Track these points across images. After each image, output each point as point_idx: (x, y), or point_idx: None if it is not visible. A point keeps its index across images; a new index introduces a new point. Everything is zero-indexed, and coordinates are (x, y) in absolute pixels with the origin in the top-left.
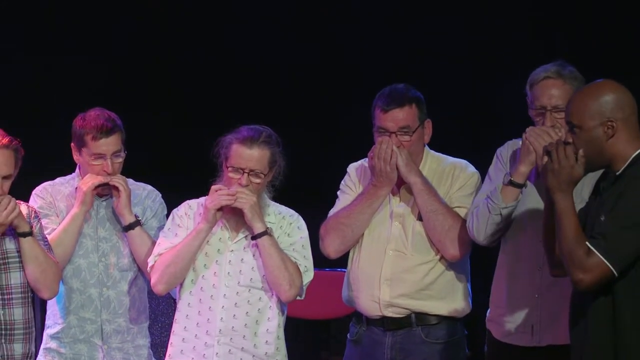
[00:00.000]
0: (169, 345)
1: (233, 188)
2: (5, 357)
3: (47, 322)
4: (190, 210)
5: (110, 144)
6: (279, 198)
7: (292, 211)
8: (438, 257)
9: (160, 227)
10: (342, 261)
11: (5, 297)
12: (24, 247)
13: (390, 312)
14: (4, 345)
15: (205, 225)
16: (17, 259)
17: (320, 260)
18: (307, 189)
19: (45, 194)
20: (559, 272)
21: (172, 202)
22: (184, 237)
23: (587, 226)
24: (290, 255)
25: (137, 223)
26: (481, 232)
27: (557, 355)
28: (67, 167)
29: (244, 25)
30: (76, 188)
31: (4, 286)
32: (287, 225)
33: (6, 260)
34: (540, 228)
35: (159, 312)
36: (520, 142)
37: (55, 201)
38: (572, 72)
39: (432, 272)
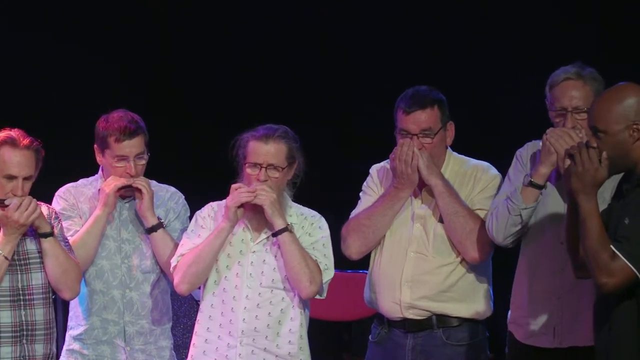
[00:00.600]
0: (191, 346)
1: (253, 185)
2: (27, 357)
3: (70, 323)
4: (212, 212)
5: (133, 145)
6: (302, 200)
7: (314, 212)
8: (459, 259)
9: (183, 229)
10: (364, 263)
11: (27, 297)
12: (45, 248)
13: (411, 314)
14: (25, 345)
15: (227, 224)
16: (38, 260)
17: (342, 261)
18: (329, 190)
19: (68, 195)
20: (582, 274)
21: (195, 204)
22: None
23: (609, 228)
24: (311, 253)
25: (159, 225)
26: (500, 233)
27: (579, 356)
28: (90, 168)
29: (263, 29)
30: (99, 190)
31: (25, 287)
32: (309, 225)
33: (27, 261)
34: (561, 230)
35: (181, 313)
36: (540, 144)
37: (78, 203)
38: (592, 73)
39: (453, 274)
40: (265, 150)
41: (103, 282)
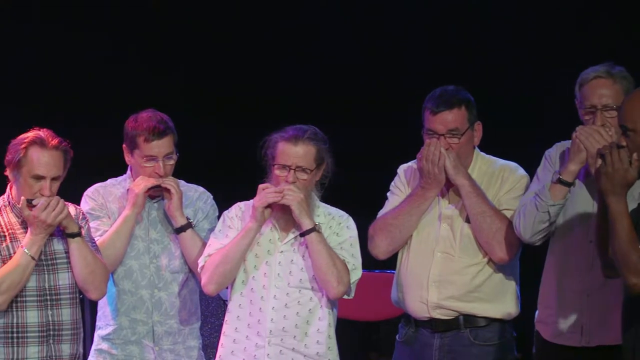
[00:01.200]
0: (219, 346)
1: (281, 185)
2: (53, 357)
3: (98, 323)
4: (240, 212)
5: (162, 146)
6: (329, 200)
7: (341, 212)
8: (486, 259)
9: (212, 229)
10: (391, 262)
11: (54, 297)
12: (72, 248)
13: (438, 314)
14: (52, 345)
15: (254, 224)
16: (65, 260)
17: (369, 261)
18: (356, 189)
19: (96, 195)
20: (611, 273)
21: (223, 204)
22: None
23: (638, 227)
24: (339, 253)
25: (188, 225)
26: (528, 230)
27: (607, 355)
28: (119, 168)
29: (290, 27)
30: (128, 190)
31: (52, 287)
32: (337, 225)
33: (54, 261)
34: (590, 228)
35: (209, 313)
36: (569, 144)
37: (107, 203)
38: (622, 71)
39: (480, 274)
40: (294, 152)
41: (132, 282)
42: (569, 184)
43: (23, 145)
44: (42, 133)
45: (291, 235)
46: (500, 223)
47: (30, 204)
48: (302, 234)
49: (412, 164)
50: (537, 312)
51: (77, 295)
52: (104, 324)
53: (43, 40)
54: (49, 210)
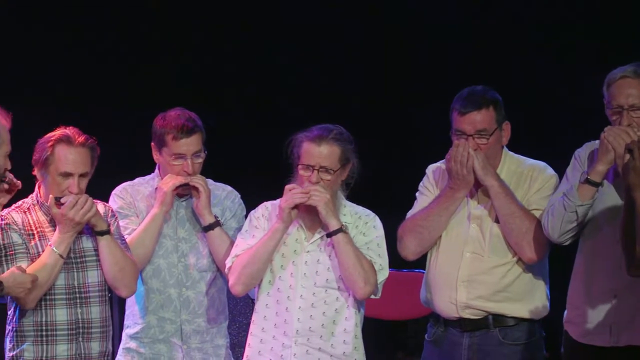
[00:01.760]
0: (246, 346)
1: (306, 186)
2: (83, 355)
3: (126, 322)
4: (267, 212)
5: (190, 144)
6: (357, 199)
7: (368, 211)
8: (515, 259)
9: (239, 228)
10: (420, 262)
11: (83, 295)
12: (101, 246)
13: (467, 314)
14: (81, 343)
15: (281, 224)
16: (95, 258)
17: (398, 260)
18: (385, 190)
19: (124, 194)
20: (637, 272)
21: (251, 203)
22: (260, 238)
23: None
24: (366, 253)
25: (216, 223)
26: (556, 230)
27: (636, 355)
28: (147, 167)
29: (319, 29)
30: (156, 188)
31: (81, 285)
32: (363, 224)
33: (83, 259)
34: (618, 228)
35: (237, 312)
36: (598, 143)
37: (135, 201)
38: None
39: (509, 274)
40: (318, 152)
41: (160, 281)
42: (597, 184)
43: (50, 144)
44: (69, 131)
45: (317, 235)
46: (530, 223)
47: (58, 202)
48: (329, 235)
49: (440, 164)
50: (565, 312)
51: (106, 293)
52: (132, 323)
53: (69, 39)
54: (77, 208)
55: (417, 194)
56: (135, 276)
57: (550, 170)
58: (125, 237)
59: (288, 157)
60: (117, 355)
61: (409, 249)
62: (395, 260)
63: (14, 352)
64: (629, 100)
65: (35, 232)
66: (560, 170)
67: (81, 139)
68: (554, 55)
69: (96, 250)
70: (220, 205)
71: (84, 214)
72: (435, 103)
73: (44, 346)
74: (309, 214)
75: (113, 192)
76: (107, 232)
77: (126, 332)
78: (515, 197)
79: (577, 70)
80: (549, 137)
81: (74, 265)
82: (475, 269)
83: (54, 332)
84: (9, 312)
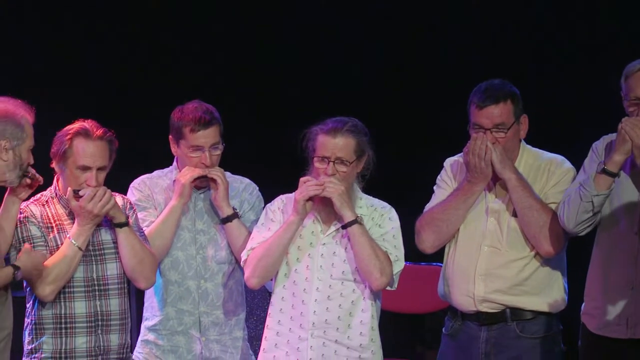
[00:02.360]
0: (263, 338)
1: (321, 178)
2: (102, 347)
3: (145, 314)
4: (282, 205)
5: (208, 136)
6: (374, 192)
7: (384, 203)
8: (533, 252)
9: (258, 220)
10: (437, 255)
11: (102, 287)
12: (120, 238)
13: (485, 307)
14: (100, 336)
15: (296, 217)
16: (113, 250)
17: (415, 254)
18: (403, 183)
19: (143, 186)
20: None
21: (269, 195)
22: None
23: None
24: (381, 245)
25: (234, 215)
26: (571, 220)
27: None
28: (165, 160)
29: (337, 23)
30: (174, 181)
31: (100, 277)
32: (379, 216)
33: (102, 251)
34: (635, 220)
35: (255, 305)
36: (615, 136)
37: (153, 194)
38: None
39: (527, 268)
40: (333, 144)
41: (178, 273)
42: (613, 175)
43: (68, 137)
44: (87, 124)
45: (333, 228)
46: (547, 217)
47: (76, 194)
48: (344, 226)
49: (458, 157)
50: (583, 304)
51: (125, 285)
52: (151, 315)
53: (87, 32)
54: (96, 200)
55: (435, 187)
56: (154, 268)
57: (568, 164)
58: (144, 229)
59: (303, 150)
60: (136, 347)
61: (427, 242)
62: (413, 254)
63: (33, 345)
64: None
65: (53, 225)
66: (578, 165)
67: (99, 132)
68: (572, 48)
69: (115, 242)
70: (238, 198)
71: (102, 206)
72: (453, 97)
73: (63, 339)
74: (324, 206)
75: (131, 184)
76: (126, 224)
77: (144, 324)
78: (533, 190)
79: (595, 63)
80: (566, 131)
81: (93, 258)
82: (493, 263)
83: (73, 325)
84: (27, 305)
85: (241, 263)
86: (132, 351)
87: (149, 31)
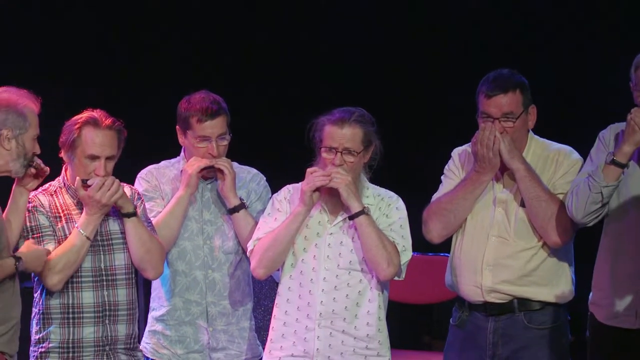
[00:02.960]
0: (270, 329)
1: (328, 169)
2: (109, 337)
3: (152, 304)
4: (289, 195)
5: (215, 126)
6: (381, 181)
7: (391, 193)
8: (541, 243)
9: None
10: (446, 246)
11: (109, 278)
12: (128, 227)
13: (492, 298)
14: (108, 326)
15: (303, 208)
16: (121, 240)
17: (423, 244)
18: (409, 172)
19: (150, 177)
20: None
21: (275, 185)
22: (282, 221)
23: None
24: (389, 235)
25: (242, 206)
26: (580, 211)
27: None
28: (172, 149)
29: (347, 10)
30: (181, 171)
31: (108, 267)
32: (386, 206)
33: (110, 242)
34: None
35: (262, 295)
36: (623, 126)
37: (161, 184)
38: None
39: (534, 258)
40: (341, 135)
41: (185, 263)
42: (622, 165)
43: (77, 126)
44: (96, 113)
45: (340, 218)
46: (555, 207)
47: (85, 184)
48: (351, 217)
49: (466, 147)
50: (591, 294)
51: (133, 275)
52: (158, 305)
53: (95, 21)
54: (104, 190)
55: (442, 177)
56: (162, 258)
57: (576, 155)
58: (151, 219)
59: (309, 140)
60: (143, 338)
61: (434, 232)
62: (421, 244)
63: (40, 335)
64: None
65: (62, 214)
66: (584, 154)
67: (108, 121)
68: (580, 39)
69: (123, 232)
70: (245, 188)
71: (110, 196)
72: (460, 86)
73: (70, 329)
74: (331, 197)
75: (138, 175)
76: (134, 214)
77: (152, 314)
78: (541, 180)
79: (603, 53)
80: (574, 122)
81: (101, 248)
82: (501, 253)
83: (81, 315)
84: (35, 295)
85: (247, 253)
86: (139, 341)
87: (152, 18)
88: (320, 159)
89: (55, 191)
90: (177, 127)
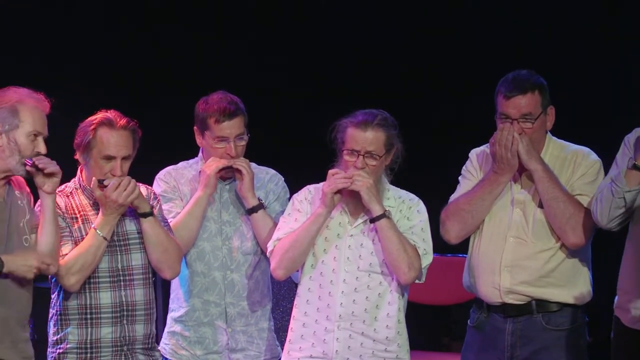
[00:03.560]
0: (289, 330)
1: (350, 171)
2: (127, 337)
3: (171, 305)
4: (309, 195)
5: (233, 127)
6: (401, 183)
7: (412, 195)
8: (559, 244)
9: (283, 211)
10: (463, 247)
11: (127, 278)
12: (145, 227)
13: (510, 299)
14: (125, 326)
15: (324, 209)
16: (138, 240)
17: (441, 245)
18: (428, 173)
19: (168, 178)
20: None
21: (294, 186)
22: (303, 222)
23: None
24: (409, 238)
25: (260, 206)
26: (604, 216)
27: None
28: (190, 150)
29: (367, 11)
30: (199, 171)
31: (125, 267)
32: (407, 209)
33: (127, 242)
34: None
35: (281, 296)
36: None
37: (179, 185)
38: None
39: (552, 260)
40: (364, 138)
41: (204, 264)
42: None
43: (92, 127)
44: (110, 114)
45: (361, 220)
46: (574, 208)
47: (101, 184)
48: (372, 220)
49: (484, 148)
50: (616, 298)
51: (150, 275)
52: (177, 306)
53: (112, 23)
54: (120, 190)
55: (460, 177)
56: (179, 257)
57: (594, 156)
58: (170, 220)
59: (331, 142)
60: (162, 339)
61: (452, 233)
62: (439, 245)
63: (58, 336)
64: None
65: (78, 215)
66: (605, 158)
67: (123, 121)
68: (601, 41)
69: (140, 232)
70: (263, 188)
71: (127, 196)
72: (478, 87)
73: (88, 329)
74: (352, 199)
75: (157, 176)
76: (151, 213)
77: (171, 315)
78: (559, 181)
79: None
80: (594, 124)
81: (118, 248)
82: (519, 254)
83: (98, 315)
84: (52, 296)
85: (267, 254)
86: (158, 342)
87: (171, 19)
88: (341, 161)
89: (71, 192)
90: (195, 127)
